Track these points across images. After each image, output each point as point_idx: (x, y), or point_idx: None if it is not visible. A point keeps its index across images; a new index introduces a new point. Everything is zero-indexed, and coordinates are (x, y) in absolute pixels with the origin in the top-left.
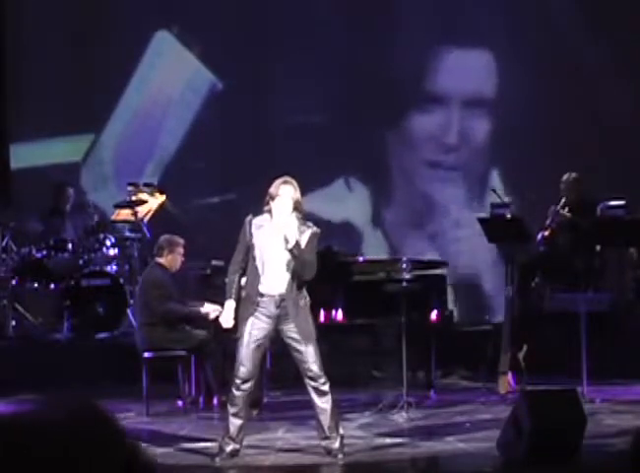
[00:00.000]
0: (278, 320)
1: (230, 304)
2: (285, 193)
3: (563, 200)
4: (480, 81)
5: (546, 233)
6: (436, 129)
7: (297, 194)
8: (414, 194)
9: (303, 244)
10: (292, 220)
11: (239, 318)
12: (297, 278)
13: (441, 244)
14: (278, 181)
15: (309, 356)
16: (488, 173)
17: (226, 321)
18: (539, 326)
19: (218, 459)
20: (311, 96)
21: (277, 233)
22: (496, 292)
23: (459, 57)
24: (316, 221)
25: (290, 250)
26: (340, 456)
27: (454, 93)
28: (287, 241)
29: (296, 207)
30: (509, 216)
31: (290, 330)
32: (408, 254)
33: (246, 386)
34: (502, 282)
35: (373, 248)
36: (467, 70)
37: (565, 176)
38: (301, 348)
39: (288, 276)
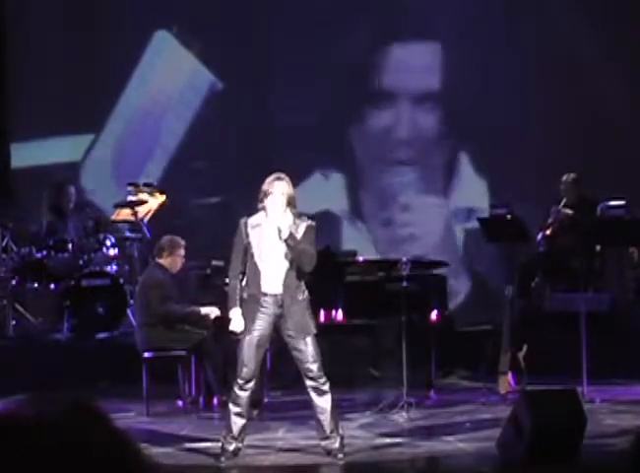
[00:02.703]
0: (278, 319)
1: (237, 311)
2: (277, 189)
3: (564, 200)
4: (428, 75)
5: (548, 232)
6: (388, 125)
7: (290, 190)
8: (378, 188)
9: (299, 237)
10: (288, 215)
11: (244, 319)
12: (297, 270)
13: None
14: (270, 178)
15: (309, 355)
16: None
17: (237, 326)
18: (539, 326)
19: (223, 459)
20: (308, 95)
21: (273, 229)
22: (496, 292)
23: (404, 53)
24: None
25: (285, 241)
26: (340, 456)
27: (402, 89)
28: (280, 231)
29: (290, 202)
30: (509, 216)
31: (288, 327)
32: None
33: (249, 386)
34: (502, 282)
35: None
36: (413, 65)
37: (564, 177)
38: (300, 346)
39: (286, 271)
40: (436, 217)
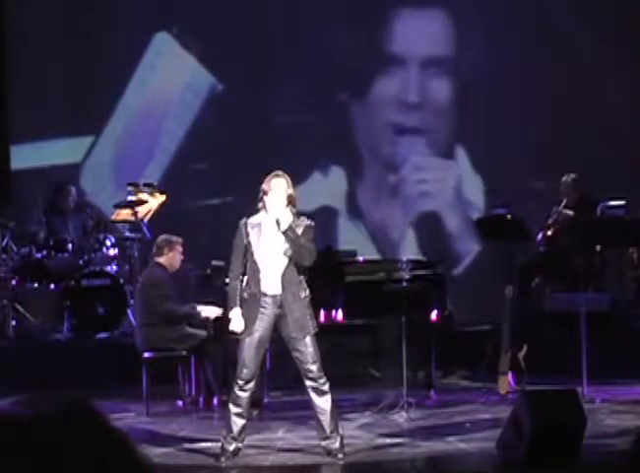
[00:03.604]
0: (278, 319)
1: (237, 312)
2: (277, 186)
3: (564, 201)
4: (438, 43)
5: (549, 232)
6: (397, 90)
7: (290, 188)
8: (381, 162)
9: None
10: (288, 214)
11: (244, 319)
12: (296, 267)
13: (405, 192)
14: (269, 177)
15: (309, 356)
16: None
17: (238, 327)
18: (539, 326)
19: (223, 459)
20: (307, 96)
21: (272, 225)
22: (496, 292)
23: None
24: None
25: (285, 233)
26: (340, 456)
27: (411, 54)
28: (278, 224)
29: (290, 201)
30: (509, 216)
31: (288, 326)
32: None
33: (249, 386)
34: (502, 282)
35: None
36: (424, 31)
37: (564, 177)
38: (300, 347)
39: (285, 268)
40: (447, 176)
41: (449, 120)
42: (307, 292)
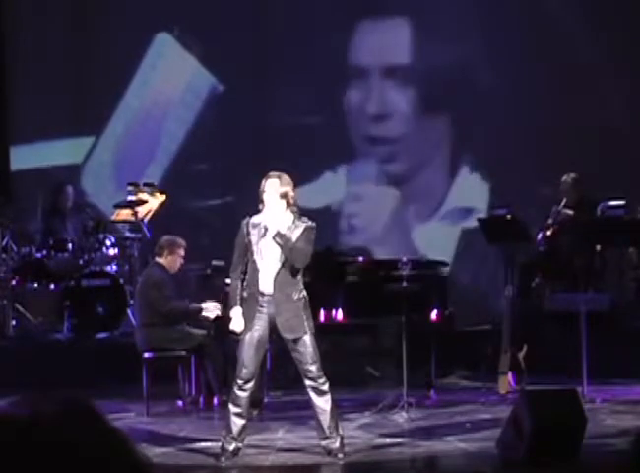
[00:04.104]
0: (274, 319)
1: (238, 311)
2: (268, 187)
3: (564, 201)
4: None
5: (549, 232)
6: (361, 101)
7: (285, 188)
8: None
9: (296, 237)
10: (288, 215)
11: (244, 318)
12: (290, 268)
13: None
14: (264, 178)
15: (308, 356)
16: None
17: (238, 326)
18: (539, 326)
19: (223, 459)
20: (308, 96)
21: (269, 226)
22: (496, 292)
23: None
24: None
25: (273, 239)
26: (340, 456)
27: (373, 64)
28: (266, 230)
29: (288, 201)
30: (509, 216)
31: (278, 326)
32: None
33: (249, 386)
34: (502, 282)
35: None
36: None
37: (564, 177)
38: (299, 347)
39: (278, 269)
40: (386, 206)
41: (448, 123)
42: (303, 293)
